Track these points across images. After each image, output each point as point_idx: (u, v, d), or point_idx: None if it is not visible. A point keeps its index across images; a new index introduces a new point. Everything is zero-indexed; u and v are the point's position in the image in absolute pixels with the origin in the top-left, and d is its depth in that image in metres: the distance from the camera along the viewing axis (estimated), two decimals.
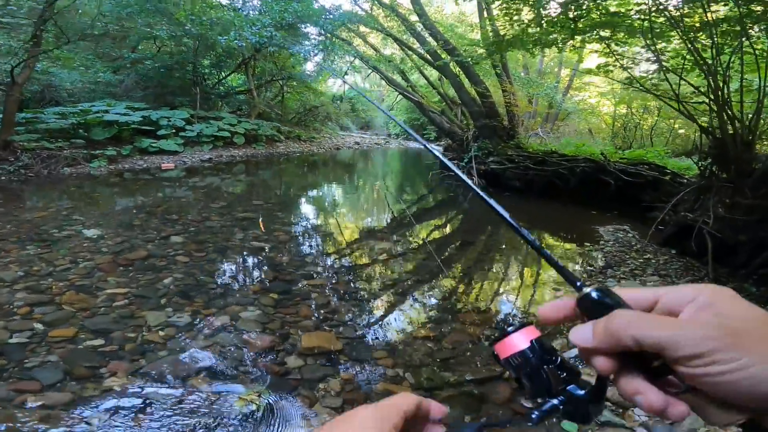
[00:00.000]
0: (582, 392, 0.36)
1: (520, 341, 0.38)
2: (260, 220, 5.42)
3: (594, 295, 0.35)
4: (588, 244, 5.09)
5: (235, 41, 11.35)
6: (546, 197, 7.72)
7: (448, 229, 6.32)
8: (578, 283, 0.36)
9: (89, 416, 1.92)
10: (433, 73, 14.76)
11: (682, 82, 5.03)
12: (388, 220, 6.61)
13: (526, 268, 4.49)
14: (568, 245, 5.32)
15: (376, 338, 2.87)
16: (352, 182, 10.90)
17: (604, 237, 5.36)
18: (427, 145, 0.61)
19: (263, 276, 3.73)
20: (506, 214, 0.46)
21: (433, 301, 3.53)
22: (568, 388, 0.37)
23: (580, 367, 0.39)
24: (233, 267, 3.93)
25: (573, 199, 7.33)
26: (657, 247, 4.79)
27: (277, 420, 2.00)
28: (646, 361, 0.33)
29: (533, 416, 0.37)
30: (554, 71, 16.54)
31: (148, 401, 2.02)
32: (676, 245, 4.64)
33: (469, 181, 0.52)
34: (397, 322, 3.10)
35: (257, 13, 12.36)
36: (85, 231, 4.48)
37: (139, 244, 4.19)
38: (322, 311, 3.14)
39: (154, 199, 6.56)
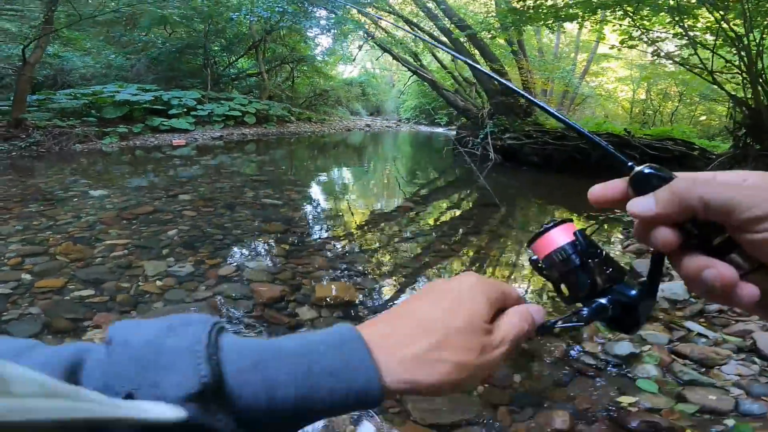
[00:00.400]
0: (633, 291, 0.34)
1: (561, 236, 0.36)
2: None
3: (648, 170, 0.31)
4: (618, 211, 4.84)
5: (247, 17, 11.16)
6: (566, 172, 7.45)
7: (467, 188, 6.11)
8: (630, 163, 0.33)
9: None
10: (446, 56, 14.44)
11: (714, 57, 4.83)
12: (404, 183, 6.42)
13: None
14: (596, 211, 5.07)
15: (397, 288, 2.69)
16: (364, 155, 10.73)
17: None
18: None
19: (274, 228, 3.57)
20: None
21: (461, 251, 3.33)
22: (615, 287, 0.34)
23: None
24: (242, 220, 3.77)
25: (595, 173, 6.82)
26: None
27: None
28: (708, 237, 0.30)
29: (583, 313, 0.34)
30: (570, 56, 16.05)
31: None
32: None
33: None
34: (420, 272, 2.92)
35: None
36: (92, 192, 4.39)
37: (145, 201, 4.08)
38: (337, 262, 2.98)
39: (164, 168, 6.47)
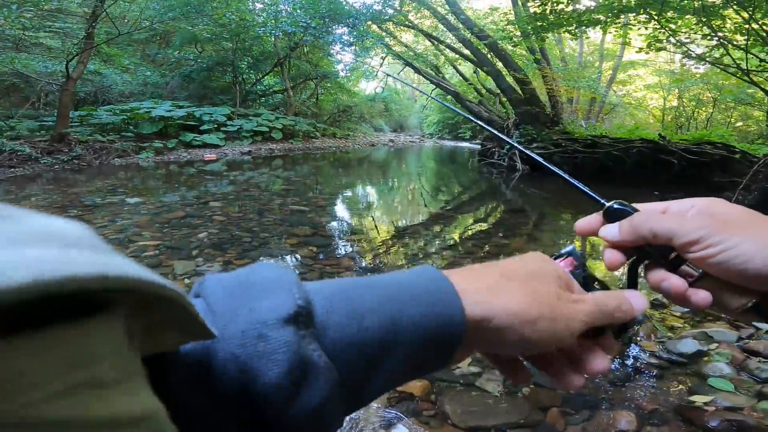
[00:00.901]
0: None
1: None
2: None
3: (616, 205, 0.41)
4: None
5: (272, 32, 11.56)
6: (598, 181, 7.18)
7: (494, 202, 5.98)
8: (602, 201, 0.42)
9: None
10: (467, 69, 14.49)
11: (748, 57, 4.61)
12: (428, 194, 6.36)
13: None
14: None
15: None
16: (389, 169, 10.73)
17: None
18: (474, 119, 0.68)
19: (302, 232, 3.57)
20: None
21: (495, 252, 3.22)
22: None
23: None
24: (270, 224, 3.80)
25: (629, 181, 6.78)
26: None
27: None
28: (665, 255, 0.38)
29: None
30: (595, 65, 15.78)
31: None
32: (764, 211, 4.09)
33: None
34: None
35: (290, 6, 12.57)
36: (128, 199, 4.54)
37: (177, 207, 4.17)
38: (364, 262, 2.94)
39: (197, 181, 6.67)
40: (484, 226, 4.45)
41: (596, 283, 0.41)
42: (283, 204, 4.55)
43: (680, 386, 1.63)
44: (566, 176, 0.46)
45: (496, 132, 0.61)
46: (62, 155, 8.15)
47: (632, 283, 0.41)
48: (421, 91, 1.65)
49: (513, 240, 3.66)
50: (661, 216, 0.38)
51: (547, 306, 0.31)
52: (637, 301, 0.37)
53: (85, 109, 10.29)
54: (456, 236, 3.87)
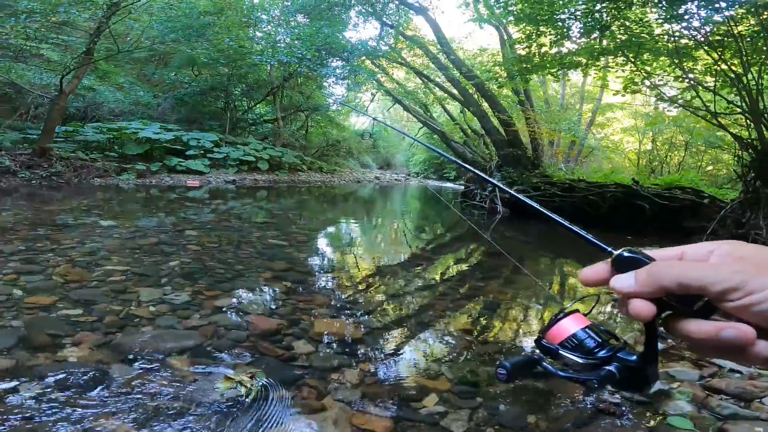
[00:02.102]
0: (633, 357, 0.39)
1: (571, 325, 0.43)
2: None
3: (627, 253, 0.38)
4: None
5: (268, 60, 11.86)
6: (575, 223, 7.35)
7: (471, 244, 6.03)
8: (609, 249, 0.39)
9: (22, 388, 1.57)
10: (455, 108, 15.03)
11: (716, 99, 4.89)
12: (410, 235, 6.38)
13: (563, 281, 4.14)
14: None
15: (405, 328, 2.57)
16: (373, 208, 10.79)
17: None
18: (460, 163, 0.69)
19: (278, 267, 3.52)
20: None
21: (470, 295, 3.21)
22: (618, 354, 0.39)
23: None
24: (245, 257, 3.74)
25: (604, 225, 6.95)
26: None
27: (271, 409, 1.58)
28: (690, 303, 0.35)
29: (594, 382, 0.39)
30: (576, 107, 16.57)
31: (105, 377, 1.70)
32: None
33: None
34: (428, 315, 2.80)
35: (289, 38, 12.99)
36: (102, 221, 4.44)
37: (152, 233, 4.09)
38: (340, 301, 2.90)
39: (176, 208, 6.58)
40: (462, 267, 4.47)
41: (612, 339, 0.41)
42: (262, 237, 4.51)
43: (641, 426, 1.62)
44: (565, 223, 0.44)
45: (474, 169, 0.63)
46: (41, 170, 8.00)
47: (651, 339, 0.38)
48: (404, 134, 1.69)
49: (489, 283, 3.67)
50: (686, 264, 0.35)
51: None
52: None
53: (72, 125, 10.21)
54: (435, 277, 3.87)
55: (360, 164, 24.33)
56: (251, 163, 13.01)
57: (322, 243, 5.02)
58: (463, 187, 11.68)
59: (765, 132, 4.17)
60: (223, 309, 2.53)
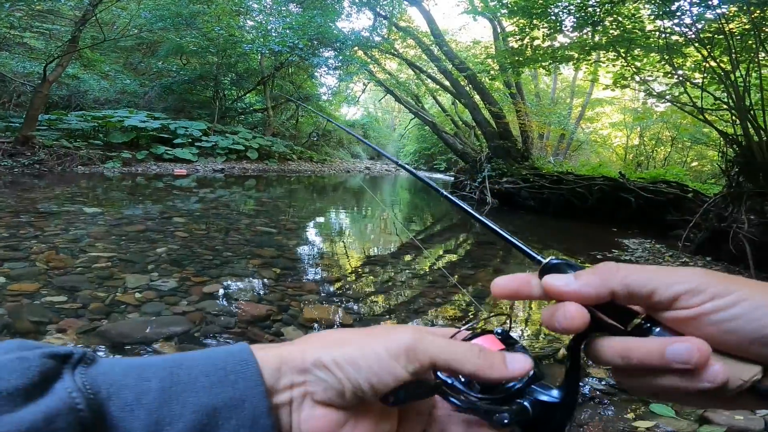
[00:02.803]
0: (554, 391, 0.31)
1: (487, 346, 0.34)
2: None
3: (557, 260, 0.32)
4: (616, 251, 4.81)
5: (259, 49, 11.68)
6: (563, 216, 7.48)
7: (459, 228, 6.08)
8: (539, 257, 0.33)
9: None
10: (446, 100, 15.02)
11: (704, 95, 4.97)
12: (400, 224, 6.40)
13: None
14: (593, 251, 5.04)
15: (395, 315, 2.60)
16: (363, 197, 10.78)
17: (631, 247, 5.09)
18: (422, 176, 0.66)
19: (267, 253, 3.50)
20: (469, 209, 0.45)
21: (460, 283, 3.25)
22: (534, 387, 0.32)
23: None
24: (234, 244, 3.72)
25: (591, 217, 7.07)
26: (689, 256, 4.49)
27: None
28: (625, 322, 0.30)
29: (503, 418, 0.30)
30: (566, 101, 16.71)
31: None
32: (711, 252, 4.36)
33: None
34: (419, 303, 2.83)
35: (281, 27, 12.80)
36: (86, 209, 4.36)
37: (138, 220, 4.04)
38: (330, 288, 2.90)
39: (163, 196, 6.48)
40: (452, 257, 4.50)
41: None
42: (251, 224, 4.48)
43: (625, 412, 1.67)
44: (499, 229, 0.38)
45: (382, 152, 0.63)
46: (24, 158, 7.82)
47: (574, 363, 0.31)
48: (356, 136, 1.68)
49: (479, 272, 3.71)
50: (634, 265, 0.29)
51: (357, 330, 0.31)
52: (516, 361, 0.30)
53: (55, 113, 9.96)
54: (425, 266, 3.90)
55: (350, 154, 24.22)
56: (240, 152, 12.85)
57: (311, 231, 5.01)
58: (453, 179, 11.72)
59: (750, 128, 4.24)
60: (212, 295, 2.52)
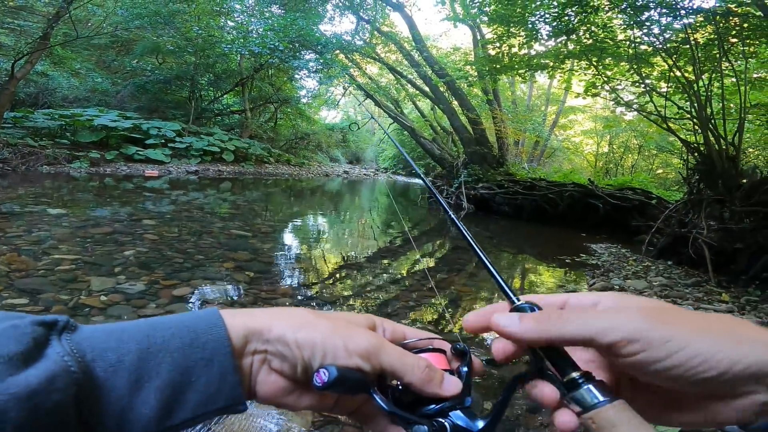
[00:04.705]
0: (477, 422, 0.32)
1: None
2: None
3: (527, 306, 0.33)
4: (584, 255, 4.97)
5: (239, 50, 11.52)
6: (535, 221, 7.68)
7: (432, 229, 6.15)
8: (514, 297, 0.35)
9: None
10: (426, 105, 15.20)
11: (668, 104, 5.18)
12: (377, 228, 6.42)
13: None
14: (563, 256, 5.19)
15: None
16: (341, 201, 10.75)
17: (597, 251, 5.27)
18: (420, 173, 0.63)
19: (241, 257, 3.46)
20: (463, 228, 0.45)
21: (435, 288, 3.28)
22: (450, 413, 0.33)
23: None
24: (207, 247, 3.65)
25: (562, 222, 7.28)
26: (652, 260, 4.69)
27: None
28: (565, 370, 0.31)
29: (422, 430, 0.32)
30: (541, 109, 17.19)
31: None
32: (672, 256, 4.55)
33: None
34: (394, 306, 2.85)
35: (262, 28, 12.66)
36: (50, 210, 4.19)
37: (105, 222, 3.91)
38: (305, 291, 2.89)
39: (132, 198, 6.29)
40: (429, 262, 4.55)
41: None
42: (224, 228, 4.41)
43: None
44: (484, 258, 0.39)
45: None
46: None
47: (505, 399, 0.33)
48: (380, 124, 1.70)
49: (454, 276, 3.77)
50: (575, 312, 0.30)
51: (325, 318, 0.34)
52: (451, 383, 0.33)
53: (21, 111, 9.54)
54: (401, 270, 3.93)
55: (329, 158, 24.10)
56: (215, 153, 12.61)
57: (287, 235, 4.97)
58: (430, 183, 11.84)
59: (711, 137, 4.42)
60: (182, 298, 2.47)
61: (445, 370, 0.35)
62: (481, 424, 0.32)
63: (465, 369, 0.36)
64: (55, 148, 8.74)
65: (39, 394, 0.23)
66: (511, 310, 0.33)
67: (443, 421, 0.32)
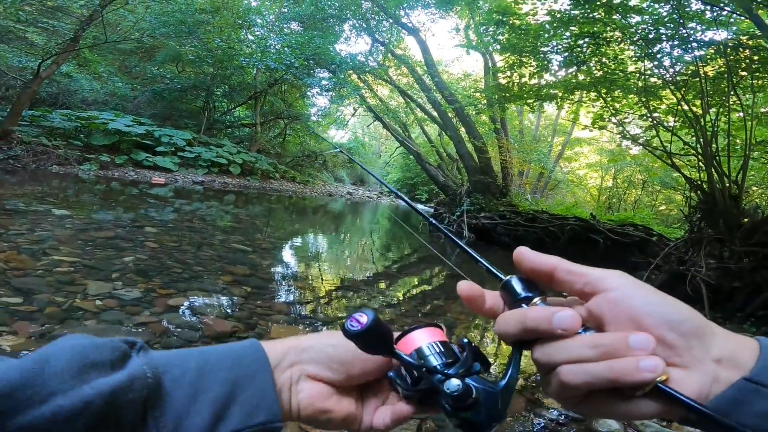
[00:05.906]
0: (492, 384, 0.35)
1: (422, 338, 0.40)
2: None
3: (515, 279, 0.38)
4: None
5: (256, 64, 11.80)
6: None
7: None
8: (501, 276, 0.39)
9: None
10: (433, 130, 15.41)
11: (673, 139, 5.17)
12: (376, 252, 6.42)
13: None
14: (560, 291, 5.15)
15: None
16: (342, 223, 10.79)
17: None
18: (414, 205, 0.68)
19: (239, 271, 3.46)
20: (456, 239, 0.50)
21: (430, 314, 3.26)
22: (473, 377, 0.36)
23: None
24: (206, 259, 3.65)
25: (562, 256, 7.09)
26: None
27: None
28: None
29: (455, 386, 0.35)
30: (548, 139, 17.32)
31: None
32: (669, 292, 4.45)
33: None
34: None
35: (280, 44, 12.98)
36: (55, 210, 4.23)
37: (108, 227, 3.94)
38: (300, 309, 2.88)
39: (137, 203, 6.35)
40: (426, 288, 4.53)
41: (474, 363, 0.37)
42: (225, 240, 4.43)
43: None
44: (464, 246, 0.47)
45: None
46: None
47: (515, 362, 0.36)
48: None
49: (449, 303, 3.75)
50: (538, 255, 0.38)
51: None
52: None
53: (40, 110, 9.75)
54: (399, 295, 3.91)
55: (334, 178, 24.28)
56: (223, 165, 12.74)
57: (287, 252, 4.98)
58: (432, 210, 11.87)
59: (714, 174, 4.38)
60: (177, 308, 2.47)
61: (444, 342, 0.39)
62: (501, 383, 0.35)
63: (466, 340, 0.40)
64: (68, 149, 8.89)
65: (120, 391, 0.30)
66: (501, 287, 0.38)
67: (469, 381, 0.35)
